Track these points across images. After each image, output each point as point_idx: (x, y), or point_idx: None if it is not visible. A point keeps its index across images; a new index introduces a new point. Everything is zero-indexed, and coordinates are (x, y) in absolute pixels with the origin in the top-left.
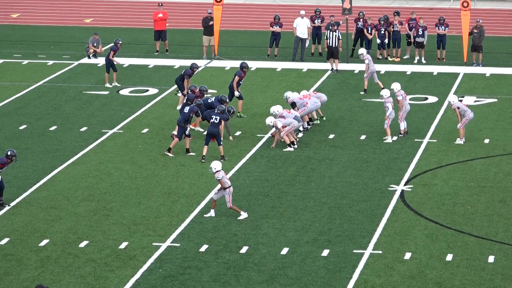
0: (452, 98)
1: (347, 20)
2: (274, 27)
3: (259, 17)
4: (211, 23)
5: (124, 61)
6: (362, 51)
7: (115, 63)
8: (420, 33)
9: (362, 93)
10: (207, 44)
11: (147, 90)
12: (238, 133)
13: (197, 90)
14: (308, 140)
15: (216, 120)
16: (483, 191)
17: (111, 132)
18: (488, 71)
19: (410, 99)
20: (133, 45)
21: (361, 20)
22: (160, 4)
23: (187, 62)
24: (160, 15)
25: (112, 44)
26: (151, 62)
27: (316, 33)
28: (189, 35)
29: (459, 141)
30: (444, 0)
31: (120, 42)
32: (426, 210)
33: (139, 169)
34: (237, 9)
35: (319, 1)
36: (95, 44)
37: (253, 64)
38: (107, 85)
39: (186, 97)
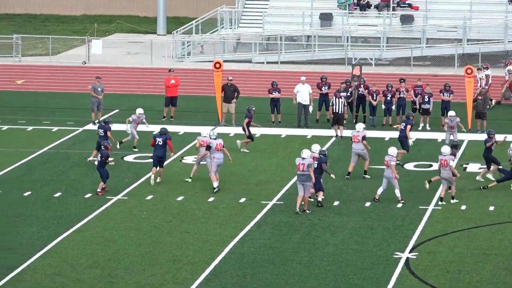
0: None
1: (356, 86)
2: (273, 93)
3: (264, 84)
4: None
5: (127, 127)
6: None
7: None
8: (426, 99)
9: None
10: (226, 111)
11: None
12: (242, 199)
13: (110, 146)
14: (312, 207)
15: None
16: (488, 259)
17: (115, 198)
18: None
19: (415, 166)
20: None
21: (361, 86)
22: (171, 70)
23: (192, 129)
24: (173, 81)
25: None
26: (156, 128)
27: (323, 100)
28: (193, 101)
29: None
30: (448, 67)
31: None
32: (431, 277)
33: (143, 236)
34: (242, 75)
35: (324, 68)
36: (99, 89)
37: (257, 131)
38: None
39: (100, 154)
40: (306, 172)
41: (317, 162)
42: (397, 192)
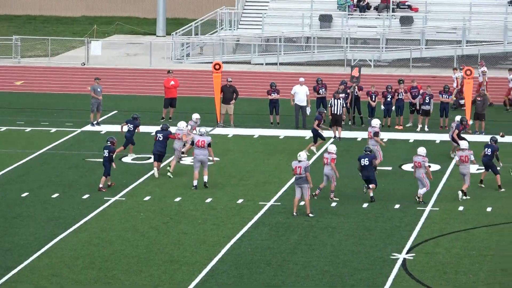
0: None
1: (355, 88)
2: (272, 94)
3: (263, 85)
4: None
5: (126, 128)
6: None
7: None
8: (427, 101)
9: None
10: (224, 112)
11: (149, 158)
12: (240, 200)
13: (116, 141)
14: (310, 208)
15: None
16: (485, 260)
17: (113, 199)
18: None
19: (413, 167)
20: (136, 112)
21: (356, 87)
22: (170, 71)
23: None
24: (172, 82)
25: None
26: (154, 129)
27: (321, 102)
28: (192, 102)
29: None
30: (448, 68)
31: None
32: (428, 278)
33: (140, 237)
34: (241, 77)
35: (323, 69)
36: (99, 90)
37: (256, 132)
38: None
39: (106, 149)
40: (303, 175)
41: (367, 159)
42: (424, 190)
